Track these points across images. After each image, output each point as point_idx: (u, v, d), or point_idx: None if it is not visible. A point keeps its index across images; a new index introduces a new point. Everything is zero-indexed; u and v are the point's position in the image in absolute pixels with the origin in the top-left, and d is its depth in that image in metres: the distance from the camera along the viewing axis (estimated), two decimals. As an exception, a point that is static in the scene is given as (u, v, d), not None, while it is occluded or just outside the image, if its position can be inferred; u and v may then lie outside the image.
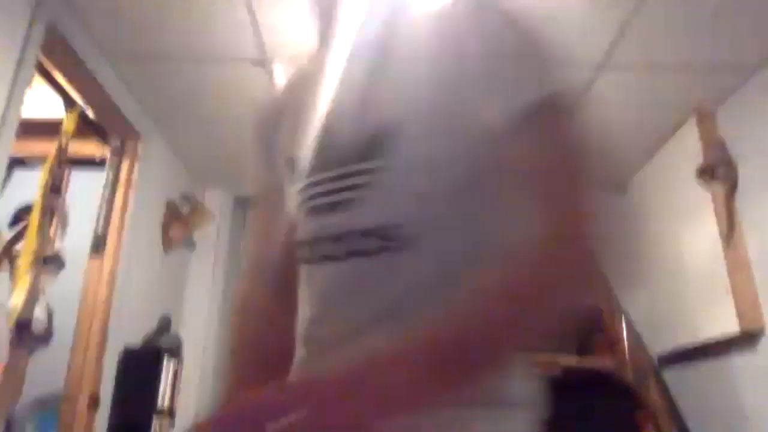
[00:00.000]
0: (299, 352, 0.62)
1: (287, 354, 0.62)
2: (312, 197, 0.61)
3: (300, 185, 0.63)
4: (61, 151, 1.96)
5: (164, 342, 2.45)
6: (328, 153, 0.60)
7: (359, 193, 0.57)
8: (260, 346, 0.69)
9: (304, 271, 0.64)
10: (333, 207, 0.58)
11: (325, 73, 0.66)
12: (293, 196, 0.65)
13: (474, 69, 0.56)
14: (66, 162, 1.98)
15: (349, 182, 0.58)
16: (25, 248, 1.94)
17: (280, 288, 0.69)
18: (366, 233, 0.56)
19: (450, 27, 0.59)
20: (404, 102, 0.57)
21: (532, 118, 0.54)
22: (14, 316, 2.46)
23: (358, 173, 0.57)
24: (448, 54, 0.57)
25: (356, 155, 0.57)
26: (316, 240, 0.60)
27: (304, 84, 0.74)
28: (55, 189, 1.93)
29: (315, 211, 0.61)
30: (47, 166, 1.96)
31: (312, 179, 0.61)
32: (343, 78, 0.63)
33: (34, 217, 1.92)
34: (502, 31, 0.60)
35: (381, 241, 0.55)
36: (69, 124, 2.00)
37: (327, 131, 0.61)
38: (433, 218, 0.56)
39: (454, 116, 0.55)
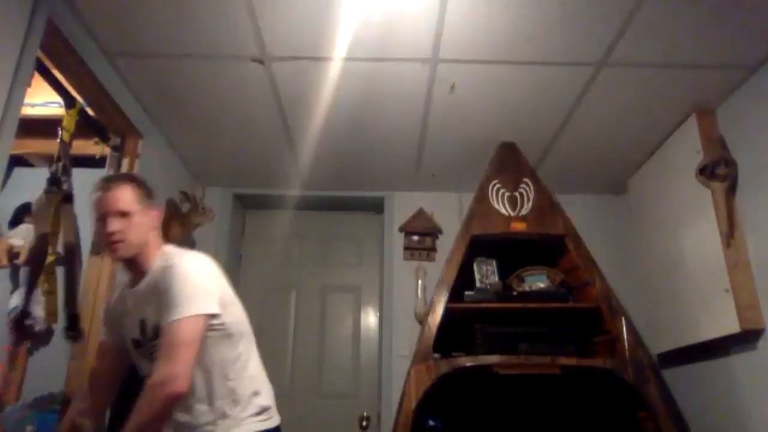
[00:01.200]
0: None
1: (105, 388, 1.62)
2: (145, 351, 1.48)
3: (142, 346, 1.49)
4: (64, 149, 1.95)
5: (164, 341, 2.44)
6: (147, 335, 1.45)
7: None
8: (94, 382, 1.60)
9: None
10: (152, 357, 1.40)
11: (132, 301, 1.50)
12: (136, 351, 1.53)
13: (160, 297, 1.37)
14: (68, 161, 1.97)
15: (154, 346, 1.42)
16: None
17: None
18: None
19: (159, 276, 1.42)
20: (158, 314, 1.38)
21: (170, 325, 1.31)
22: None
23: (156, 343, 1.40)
24: (158, 290, 1.39)
25: (153, 336, 1.42)
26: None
27: (123, 303, 1.54)
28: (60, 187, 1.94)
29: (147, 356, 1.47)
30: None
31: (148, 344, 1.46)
32: (141, 302, 1.47)
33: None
34: (164, 277, 1.39)
35: None
36: (69, 123, 1.99)
37: (144, 326, 1.47)
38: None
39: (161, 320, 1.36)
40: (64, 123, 1.99)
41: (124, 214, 1.42)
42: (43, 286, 1.96)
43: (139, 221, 1.44)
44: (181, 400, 1.31)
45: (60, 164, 1.94)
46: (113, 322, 1.57)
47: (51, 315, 2.02)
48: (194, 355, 1.31)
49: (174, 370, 1.26)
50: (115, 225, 1.40)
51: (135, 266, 1.48)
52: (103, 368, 1.61)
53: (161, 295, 1.35)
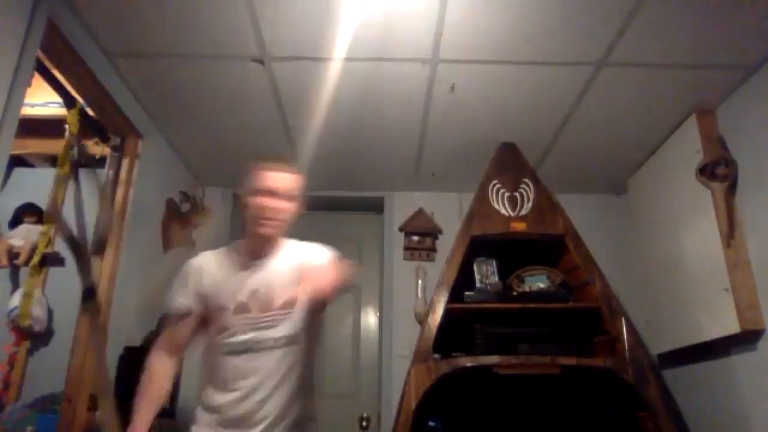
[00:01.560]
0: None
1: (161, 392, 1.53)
2: (255, 324, 1.48)
3: (246, 317, 1.48)
4: (68, 151, 1.96)
5: (164, 341, 2.44)
6: (261, 305, 1.49)
7: (278, 322, 1.49)
8: (151, 386, 1.53)
9: (228, 361, 1.48)
10: (264, 328, 1.48)
11: (250, 272, 1.54)
12: (238, 320, 1.48)
13: (306, 272, 1.46)
14: (74, 161, 1.98)
15: (271, 318, 1.49)
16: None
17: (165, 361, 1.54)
18: (279, 339, 1.49)
19: (302, 256, 1.59)
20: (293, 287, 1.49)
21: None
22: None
23: (278, 315, 1.49)
24: (304, 267, 1.49)
25: (281, 308, 1.50)
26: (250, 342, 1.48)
27: (227, 269, 1.55)
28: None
29: (255, 329, 1.48)
30: (60, 170, 1.97)
31: (253, 316, 1.49)
32: (268, 276, 1.53)
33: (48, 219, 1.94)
34: (312, 256, 1.60)
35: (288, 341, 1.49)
36: (72, 124, 1.99)
37: (263, 296, 1.50)
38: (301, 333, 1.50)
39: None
40: (68, 120, 2.00)
41: (290, 199, 1.53)
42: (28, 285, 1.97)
43: (294, 210, 1.55)
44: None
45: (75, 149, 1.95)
46: (202, 284, 1.53)
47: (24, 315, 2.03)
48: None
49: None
50: (281, 205, 1.52)
51: (265, 245, 1.56)
52: (176, 339, 1.54)
53: (308, 269, 1.44)
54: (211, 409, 1.47)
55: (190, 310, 1.51)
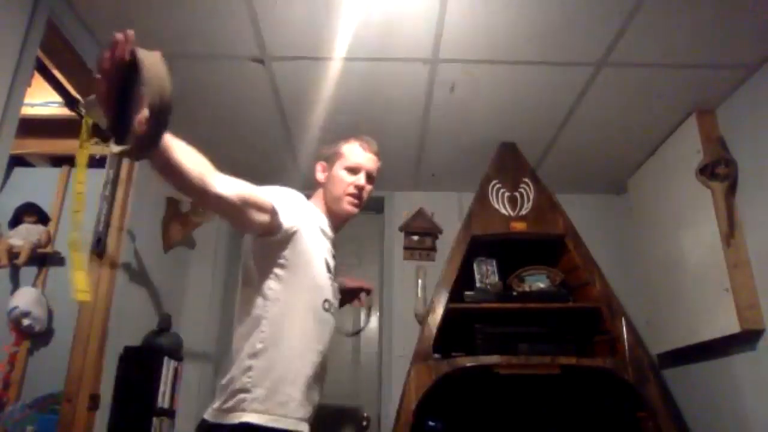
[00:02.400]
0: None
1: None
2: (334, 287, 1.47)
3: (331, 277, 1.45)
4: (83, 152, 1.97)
5: (164, 342, 2.45)
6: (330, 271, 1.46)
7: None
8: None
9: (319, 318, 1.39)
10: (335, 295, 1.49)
11: (330, 242, 1.51)
12: (328, 280, 1.44)
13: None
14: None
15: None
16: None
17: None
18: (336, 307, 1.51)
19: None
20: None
21: None
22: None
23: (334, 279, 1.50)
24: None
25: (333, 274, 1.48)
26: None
27: (320, 232, 1.45)
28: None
29: (333, 293, 1.48)
30: (81, 164, 1.97)
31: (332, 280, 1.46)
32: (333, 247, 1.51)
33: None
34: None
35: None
36: (86, 128, 2.00)
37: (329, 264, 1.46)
38: None
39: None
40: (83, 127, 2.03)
41: (371, 180, 1.57)
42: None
43: (371, 190, 1.57)
44: None
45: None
46: (304, 226, 1.37)
47: (84, 292, 1.91)
48: None
49: None
50: (368, 184, 1.55)
51: (338, 222, 1.55)
52: (245, 204, 1.21)
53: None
54: (298, 372, 1.31)
55: (288, 229, 1.31)
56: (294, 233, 1.33)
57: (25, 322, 2.46)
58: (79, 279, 1.85)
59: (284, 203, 1.31)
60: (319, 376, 1.41)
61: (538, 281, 2.53)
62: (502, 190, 2.57)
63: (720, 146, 2.20)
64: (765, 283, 1.99)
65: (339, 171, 1.53)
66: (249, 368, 1.26)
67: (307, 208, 1.43)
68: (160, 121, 0.84)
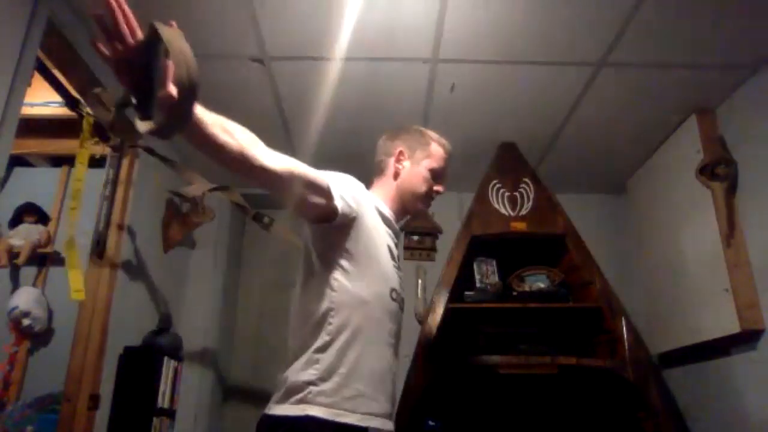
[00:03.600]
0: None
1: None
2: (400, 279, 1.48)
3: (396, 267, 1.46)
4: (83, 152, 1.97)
5: (164, 342, 2.45)
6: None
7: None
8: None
9: (387, 308, 1.36)
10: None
11: (392, 233, 1.49)
12: (392, 268, 1.42)
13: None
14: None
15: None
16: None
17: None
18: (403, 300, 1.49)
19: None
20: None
21: None
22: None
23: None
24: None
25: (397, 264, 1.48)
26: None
27: (378, 208, 1.43)
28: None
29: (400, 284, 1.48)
30: (81, 162, 1.98)
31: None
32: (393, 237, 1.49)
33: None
34: None
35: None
36: (87, 126, 2.01)
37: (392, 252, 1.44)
38: None
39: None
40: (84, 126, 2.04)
41: None
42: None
43: None
44: None
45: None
46: (366, 212, 1.33)
47: (78, 291, 1.90)
48: None
49: None
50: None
51: (404, 216, 1.58)
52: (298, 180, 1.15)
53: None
54: (367, 365, 1.25)
55: (347, 214, 1.24)
56: (354, 219, 1.26)
57: (25, 322, 2.46)
58: (74, 278, 1.85)
59: (342, 187, 1.24)
60: (391, 368, 1.34)
61: (538, 281, 2.53)
62: (502, 190, 2.57)
63: (720, 146, 2.20)
64: (765, 283, 1.99)
65: (425, 170, 1.52)
66: (316, 361, 1.22)
67: (366, 194, 1.38)
68: (188, 97, 0.80)
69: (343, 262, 1.27)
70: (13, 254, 2.53)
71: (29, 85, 1.66)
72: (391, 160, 1.54)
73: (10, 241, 2.55)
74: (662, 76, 2.12)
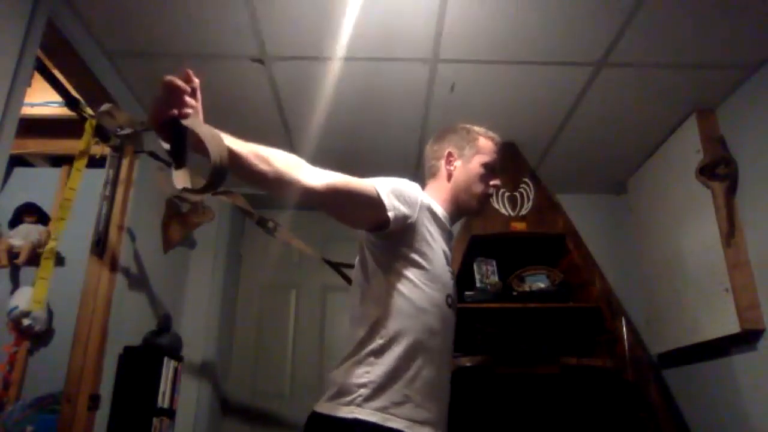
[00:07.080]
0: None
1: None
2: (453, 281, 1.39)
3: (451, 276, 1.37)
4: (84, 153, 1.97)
5: (164, 342, 2.45)
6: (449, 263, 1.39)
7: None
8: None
9: (442, 316, 1.30)
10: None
11: (447, 237, 1.42)
12: (447, 273, 1.35)
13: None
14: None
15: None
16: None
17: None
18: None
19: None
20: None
21: None
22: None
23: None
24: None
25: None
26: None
27: (433, 211, 1.36)
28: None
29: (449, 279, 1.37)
30: (77, 168, 1.97)
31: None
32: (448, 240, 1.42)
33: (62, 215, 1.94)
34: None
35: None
36: (89, 128, 2.01)
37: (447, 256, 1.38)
38: None
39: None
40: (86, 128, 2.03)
41: None
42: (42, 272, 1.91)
43: None
44: None
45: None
46: (420, 216, 1.29)
47: (38, 302, 1.92)
48: None
49: None
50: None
51: (460, 216, 1.52)
52: (345, 192, 1.17)
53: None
54: (419, 372, 1.22)
55: (401, 220, 1.21)
56: (409, 225, 1.25)
57: (25, 322, 2.46)
58: (39, 288, 1.85)
59: (394, 193, 1.21)
60: (442, 376, 1.30)
61: (538, 281, 2.53)
62: (502, 190, 2.57)
63: (720, 146, 2.20)
64: (765, 283, 1.99)
65: (478, 167, 1.47)
66: (369, 364, 1.21)
67: (421, 195, 1.32)
68: (221, 174, 0.91)
69: (399, 267, 1.26)
70: (13, 254, 2.53)
71: (29, 85, 1.66)
72: (442, 163, 1.51)
73: (10, 241, 2.54)
74: (662, 76, 2.12)
